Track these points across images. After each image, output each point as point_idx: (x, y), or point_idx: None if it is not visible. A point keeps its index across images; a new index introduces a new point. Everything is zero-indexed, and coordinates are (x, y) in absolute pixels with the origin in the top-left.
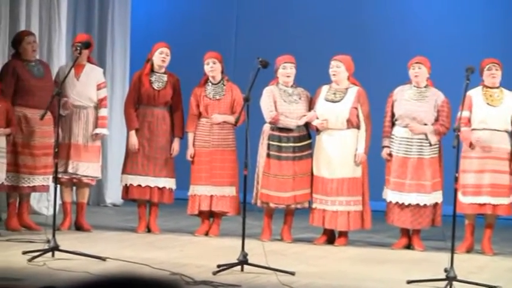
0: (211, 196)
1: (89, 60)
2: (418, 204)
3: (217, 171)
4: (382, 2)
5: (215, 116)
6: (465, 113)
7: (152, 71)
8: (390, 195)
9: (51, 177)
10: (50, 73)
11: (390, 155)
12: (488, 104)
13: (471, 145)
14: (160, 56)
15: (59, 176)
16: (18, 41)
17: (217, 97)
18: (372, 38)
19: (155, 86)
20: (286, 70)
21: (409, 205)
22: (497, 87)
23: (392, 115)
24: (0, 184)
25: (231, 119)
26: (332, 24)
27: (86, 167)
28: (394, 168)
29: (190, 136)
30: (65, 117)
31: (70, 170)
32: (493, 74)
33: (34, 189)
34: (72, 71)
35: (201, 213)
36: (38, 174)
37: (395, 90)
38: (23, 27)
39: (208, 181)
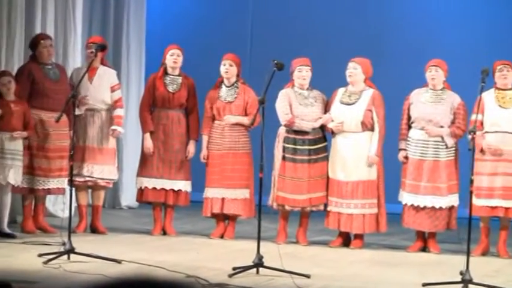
0: (223, 199)
1: (102, 63)
2: (433, 207)
3: (228, 174)
4: (399, 5)
5: (228, 117)
6: (478, 116)
7: (166, 73)
8: (406, 197)
9: (66, 179)
10: (66, 76)
11: (406, 157)
12: (500, 106)
13: (482, 150)
14: (172, 58)
15: (74, 178)
16: (34, 44)
17: (230, 99)
18: (388, 41)
19: (170, 88)
20: (302, 73)
21: (425, 208)
22: (509, 89)
23: (409, 118)
24: (16, 186)
25: (244, 120)
26: (348, 26)
27: (101, 170)
28: (410, 171)
29: (204, 138)
30: (79, 119)
31: (85, 172)
32: (504, 75)
33: (49, 191)
34: (86, 74)
35: (216, 216)
36: (53, 176)
37: (412, 93)
38: (38, 30)
39: (219, 184)
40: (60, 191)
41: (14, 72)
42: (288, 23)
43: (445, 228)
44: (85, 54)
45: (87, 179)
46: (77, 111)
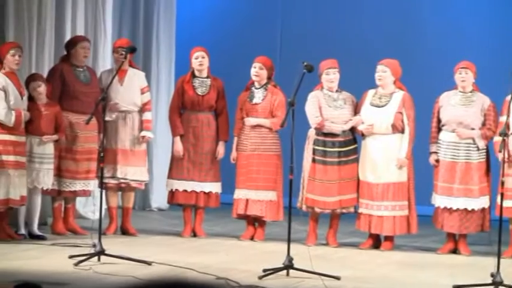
0: (247, 200)
1: (131, 65)
2: (466, 209)
3: (253, 175)
4: (427, 7)
5: (248, 119)
6: (503, 118)
7: (195, 76)
8: (439, 200)
9: (92, 182)
10: (96, 79)
11: (437, 161)
12: None
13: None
14: (197, 61)
15: (107, 181)
16: (72, 43)
17: (256, 101)
18: (415, 42)
19: (199, 91)
20: (330, 76)
21: (457, 210)
22: None
23: (439, 121)
24: (46, 189)
25: (266, 122)
26: (377, 28)
27: (133, 172)
28: (441, 173)
29: (235, 140)
30: (110, 122)
31: (119, 175)
32: None
33: (75, 193)
34: (116, 76)
35: (246, 218)
36: (80, 179)
37: (441, 96)
38: (68, 31)
39: (244, 185)
40: (86, 193)
41: (44, 74)
42: (318, 25)
43: (476, 230)
44: (114, 57)
45: (121, 181)
46: (107, 117)
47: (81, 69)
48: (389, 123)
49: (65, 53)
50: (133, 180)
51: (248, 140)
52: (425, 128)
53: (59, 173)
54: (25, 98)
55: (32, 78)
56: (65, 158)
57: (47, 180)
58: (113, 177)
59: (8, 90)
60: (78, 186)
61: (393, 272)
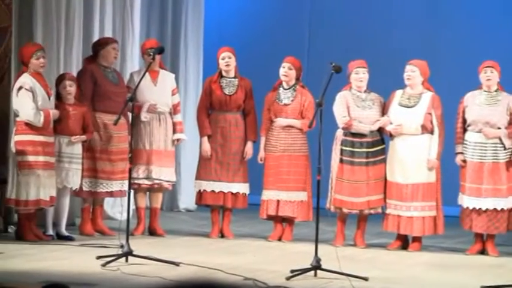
0: (278, 201)
1: (160, 66)
2: (495, 209)
3: (283, 176)
4: (454, 8)
5: (279, 119)
6: None
7: (222, 76)
8: (466, 201)
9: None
10: (123, 81)
11: (464, 161)
12: None
13: None
14: (223, 62)
15: (140, 182)
16: (103, 43)
17: (286, 102)
18: (442, 43)
19: (226, 91)
20: (359, 75)
21: (486, 210)
22: None
23: (464, 121)
24: (76, 190)
25: (296, 123)
26: (404, 28)
27: (166, 172)
28: (469, 174)
29: (262, 140)
30: (144, 123)
31: (154, 175)
32: None
33: (112, 194)
34: (148, 77)
35: (274, 218)
36: (116, 179)
37: (466, 96)
38: (96, 32)
39: (274, 186)
40: (122, 194)
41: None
42: (346, 25)
43: (506, 230)
44: (143, 58)
45: (155, 182)
46: (143, 118)
47: (109, 70)
48: (419, 124)
49: (91, 53)
50: (166, 180)
51: (278, 141)
52: (448, 129)
53: (95, 174)
54: (52, 98)
55: (63, 77)
56: (100, 158)
57: (75, 180)
58: (148, 178)
59: (36, 91)
60: (114, 186)
61: (422, 273)
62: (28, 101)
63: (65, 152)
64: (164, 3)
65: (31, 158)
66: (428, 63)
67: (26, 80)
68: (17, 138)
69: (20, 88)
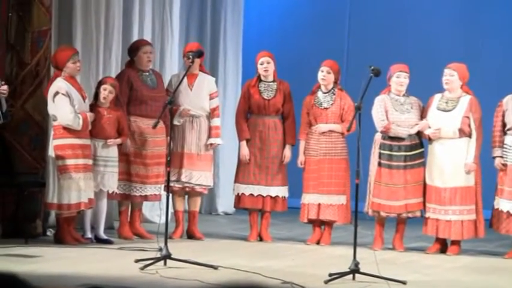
0: (319, 204)
1: (201, 69)
2: None
3: (324, 180)
4: (495, 10)
5: (319, 125)
6: None
7: (261, 80)
8: (505, 204)
9: (162, 186)
10: (163, 83)
11: (504, 165)
12: None
13: None
14: (262, 67)
15: (172, 184)
16: (134, 49)
17: (326, 106)
18: (481, 46)
19: (265, 95)
20: (400, 79)
21: None
22: None
23: (503, 124)
24: (112, 193)
25: (337, 127)
26: (444, 32)
27: (198, 176)
28: (510, 177)
29: (301, 144)
30: (178, 126)
31: (183, 179)
32: None
33: (146, 198)
34: (186, 80)
35: (312, 222)
36: (150, 183)
37: (505, 99)
38: (135, 36)
39: (315, 189)
40: (157, 198)
41: None
42: (385, 28)
43: None
44: (183, 61)
45: (186, 185)
46: (176, 122)
47: (147, 74)
48: (457, 128)
49: (129, 58)
50: (197, 184)
51: (318, 145)
52: (486, 132)
53: (129, 178)
54: (87, 101)
55: (103, 81)
56: (134, 162)
57: (112, 183)
58: (178, 180)
59: (72, 95)
60: (148, 190)
61: (461, 277)
62: (66, 105)
63: (100, 155)
64: (203, 7)
65: (71, 162)
66: (468, 65)
67: (61, 84)
68: (55, 143)
69: (57, 93)
